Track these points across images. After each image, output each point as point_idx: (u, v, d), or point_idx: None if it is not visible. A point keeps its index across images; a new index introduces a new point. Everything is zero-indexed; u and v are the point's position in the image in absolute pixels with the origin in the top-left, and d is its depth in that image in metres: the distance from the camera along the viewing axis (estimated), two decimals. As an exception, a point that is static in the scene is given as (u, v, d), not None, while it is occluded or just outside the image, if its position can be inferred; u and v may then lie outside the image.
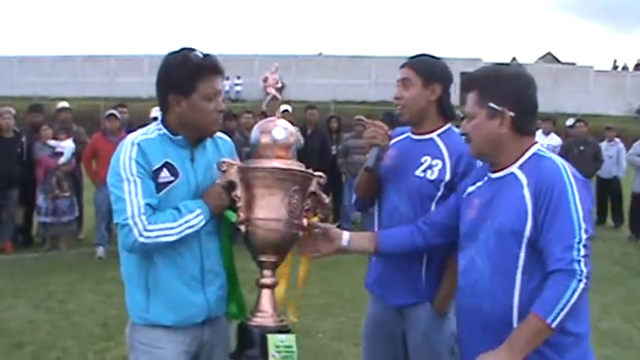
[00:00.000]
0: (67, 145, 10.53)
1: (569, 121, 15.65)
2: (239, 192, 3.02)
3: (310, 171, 3.12)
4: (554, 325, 2.54)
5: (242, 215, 3.01)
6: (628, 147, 14.24)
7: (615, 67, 54.14)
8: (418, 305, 3.47)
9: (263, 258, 3.08)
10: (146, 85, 46.06)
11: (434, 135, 3.50)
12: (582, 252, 2.56)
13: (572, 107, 39.77)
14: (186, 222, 2.95)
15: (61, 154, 10.46)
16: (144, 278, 3.05)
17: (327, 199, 3.21)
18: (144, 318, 3.08)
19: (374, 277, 3.68)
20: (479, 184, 2.96)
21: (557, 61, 56.99)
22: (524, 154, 2.80)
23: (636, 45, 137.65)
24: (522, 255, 2.69)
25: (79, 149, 10.74)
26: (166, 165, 3.02)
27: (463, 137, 2.99)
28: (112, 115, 10.50)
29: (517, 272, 2.70)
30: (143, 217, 2.89)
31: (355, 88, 38.75)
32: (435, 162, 3.42)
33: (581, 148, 12.94)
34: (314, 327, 6.77)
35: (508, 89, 2.79)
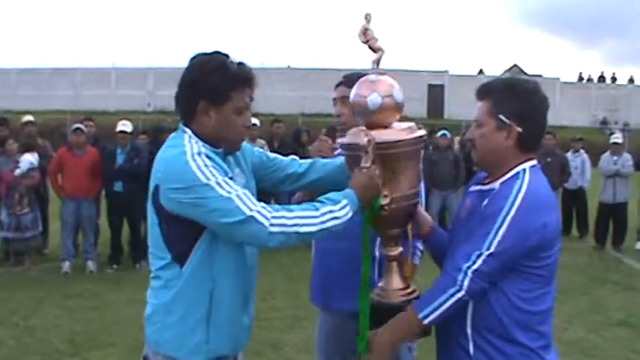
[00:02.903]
0: (24, 159, 10.34)
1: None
2: (378, 170, 2.78)
3: None
4: (426, 321, 2.62)
5: (388, 196, 2.79)
6: (594, 158, 14.40)
7: (581, 79, 54.82)
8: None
9: (395, 232, 2.92)
10: (113, 98, 45.94)
11: None
12: (476, 266, 2.55)
13: (539, 119, 40.19)
14: (330, 212, 2.66)
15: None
16: (207, 303, 2.76)
17: None
18: (202, 351, 2.77)
19: (320, 289, 3.75)
20: (477, 187, 2.89)
21: (524, 73, 57.56)
22: (513, 169, 2.75)
23: (600, 59, 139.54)
24: None
25: (44, 163, 10.63)
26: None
27: (469, 142, 2.95)
28: (78, 129, 10.42)
29: None
30: (260, 205, 2.60)
31: (323, 100, 38.87)
32: None
33: (548, 159, 13.05)
34: (281, 340, 6.76)
35: (521, 105, 2.73)
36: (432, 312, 2.58)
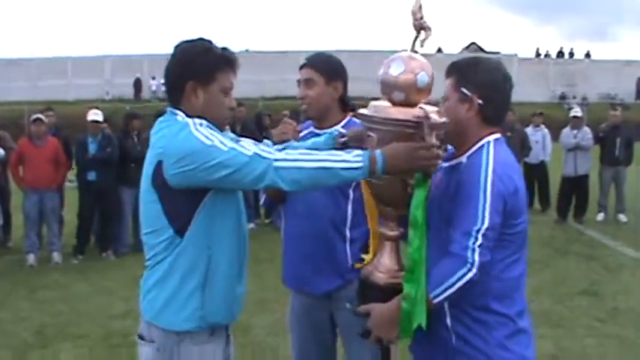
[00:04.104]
0: None
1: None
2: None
3: None
4: (435, 300, 2.65)
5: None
6: (554, 132, 14.56)
7: (538, 55, 55.35)
8: (347, 286, 3.54)
9: (403, 212, 2.83)
10: (71, 88, 45.38)
11: (338, 127, 3.60)
12: (479, 241, 2.61)
13: (498, 95, 40.60)
14: (336, 155, 2.70)
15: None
16: (204, 271, 2.83)
17: None
18: (197, 318, 2.84)
19: (293, 272, 3.78)
20: (446, 164, 2.94)
21: (482, 50, 58.03)
22: (477, 142, 2.84)
23: (556, 36, 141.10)
24: None
25: (3, 156, 10.50)
26: None
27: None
28: (38, 119, 10.28)
29: None
30: (266, 146, 2.74)
31: (283, 83, 38.91)
32: None
33: (508, 134, 13.20)
34: (250, 323, 6.76)
35: (482, 78, 2.85)
36: (442, 292, 2.63)
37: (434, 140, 2.67)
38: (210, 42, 2.93)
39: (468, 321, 2.75)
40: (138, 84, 44.81)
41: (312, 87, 3.64)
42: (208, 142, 2.68)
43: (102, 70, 47.45)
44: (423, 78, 2.79)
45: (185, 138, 2.71)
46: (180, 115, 2.84)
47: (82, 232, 10.59)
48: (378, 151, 2.68)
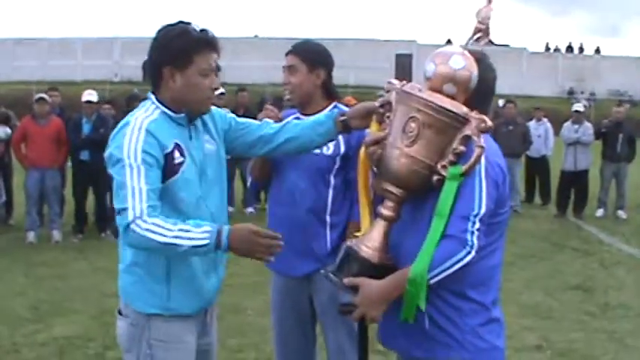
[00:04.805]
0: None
1: (500, 102, 15.97)
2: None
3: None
4: (431, 281, 2.65)
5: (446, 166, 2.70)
6: (558, 127, 14.58)
7: (547, 50, 55.04)
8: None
9: (405, 194, 2.80)
10: (80, 68, 45.37)
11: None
12: (477, 225, 2.66)
13: (506, 88, 40.36)
14: (188, 231, 2.64)
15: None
16: (164, 264, 2.85)
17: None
18: (164, 308, 2.88)
19: None
20: None
21: (491, 42, 57.73)
22: None
23: (568, 28, 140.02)
24: None
25: (10, 134, 10.59)
26: (176, 146, 2.83)
27: None
28: (42, 98, 10.37)
29: None
30: (144, 205, 2.63)
31: (292, 70, 38.74)
32: None
33: (510, 127, 13.21)
34: (242, 304, 6.86)
35: None
36: (440, 273, 2.64)
37: (482, 141, 2.68)
38: (187, 24, 2.88)
39: (443, 306, 2.77)
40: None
41: (294, 73, 3.71)
42: (124, 155, 2.71)
43: (111, 52, 47.42)
44: (475, 78, 2.82)
45: (119, 134, 2.78)
46: (150, 101, 2.90)
47: (78, 212, 10.70)
48: (225, 230, 2.68)
